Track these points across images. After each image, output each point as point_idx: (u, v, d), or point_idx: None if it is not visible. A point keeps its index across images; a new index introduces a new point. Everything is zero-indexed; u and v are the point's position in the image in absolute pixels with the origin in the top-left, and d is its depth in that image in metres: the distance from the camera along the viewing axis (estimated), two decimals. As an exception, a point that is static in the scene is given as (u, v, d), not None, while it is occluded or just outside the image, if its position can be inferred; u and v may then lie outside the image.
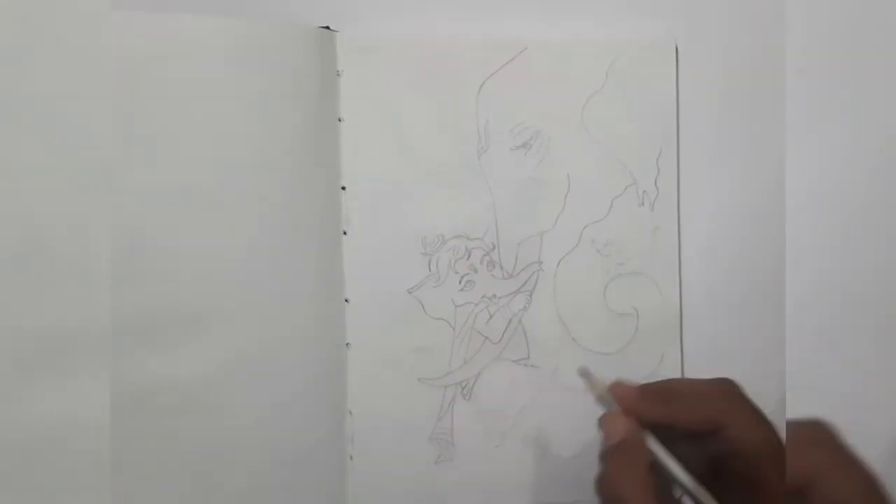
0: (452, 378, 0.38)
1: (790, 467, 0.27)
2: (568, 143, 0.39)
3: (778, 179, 0.38)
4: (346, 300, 0.38)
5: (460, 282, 0.38)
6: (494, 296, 0.39)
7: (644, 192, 0.39)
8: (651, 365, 0.39)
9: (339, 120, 0.38)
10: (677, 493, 0.30)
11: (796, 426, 0.29)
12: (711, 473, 0.30)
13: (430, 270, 0.38)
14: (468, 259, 0.38)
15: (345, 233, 0.38)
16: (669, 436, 0.31)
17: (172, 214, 0.34)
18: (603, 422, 0.31)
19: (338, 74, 0.38)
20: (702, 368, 0.40)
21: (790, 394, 0.35)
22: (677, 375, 0.39)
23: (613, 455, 0.30)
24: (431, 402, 0.38)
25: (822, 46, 0.34)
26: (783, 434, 0.29)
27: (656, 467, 0.30)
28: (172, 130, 0.34)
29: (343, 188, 0.38)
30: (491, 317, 0.39)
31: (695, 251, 0.39)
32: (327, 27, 0.37)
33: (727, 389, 0.31)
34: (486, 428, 0.39)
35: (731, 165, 0.40)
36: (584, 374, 0.33)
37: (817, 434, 0.28)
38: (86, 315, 0.30)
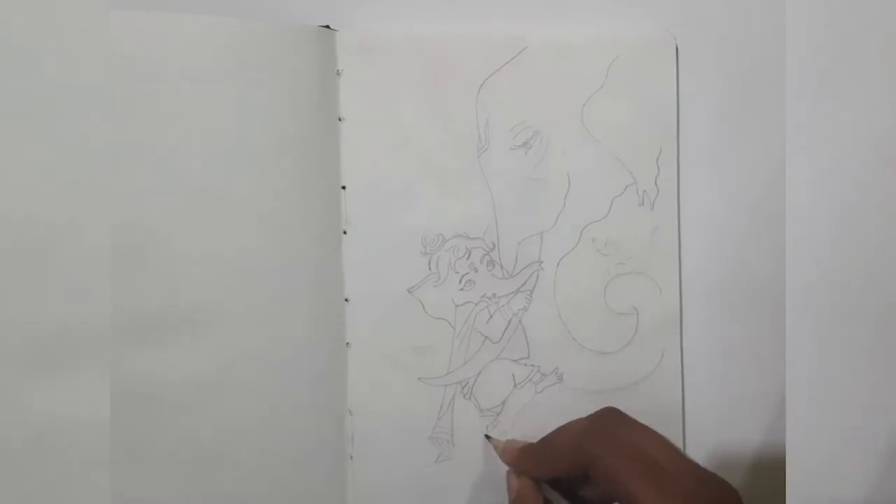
0: (452, 378, 0.38)
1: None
2: (568, 142, 0.39)
3: (778, 179, 0.38)
4: (346, 299, 0.38)
5: (460, 281, 0.38)
6: (494, 295, 0.39)
7: (644, 191, 0.39)
8: (651, 365, 0.39)
9: (339, 120, 0.38)
10: None
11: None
12: None
13: (430, 270, 0.38)
14: (468, 259, 0.38)
15: (345, 232, 0.38)
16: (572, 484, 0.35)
17: (172, 214, 0.34)
18: (507, 481, 0.36)
19: (338, 74, 0.38)
20: (702, 368, 0.40)
21: (790, 394, 0.35)
22: (677, 375, 0.39)
23: None
24: (431, 402, 0.38)
25: (822, 46, 0.34)
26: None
27: None
28: (172, 130, 0.34)
29: (343, 188, 0.38)
30: (491, 316, 0.39)
31: (695, 251, 0.40)
32: (327, 27, 0.37)
33: (596, 425, 0.33)
34: (486, 428, 0.39)
35: (731, 165, 0.40)
36: (488, 438, 0.38)
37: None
38: (85, 314, 0.30)
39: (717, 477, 0.30)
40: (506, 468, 0.36)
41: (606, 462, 0.30)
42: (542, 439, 0.35)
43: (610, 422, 0.33)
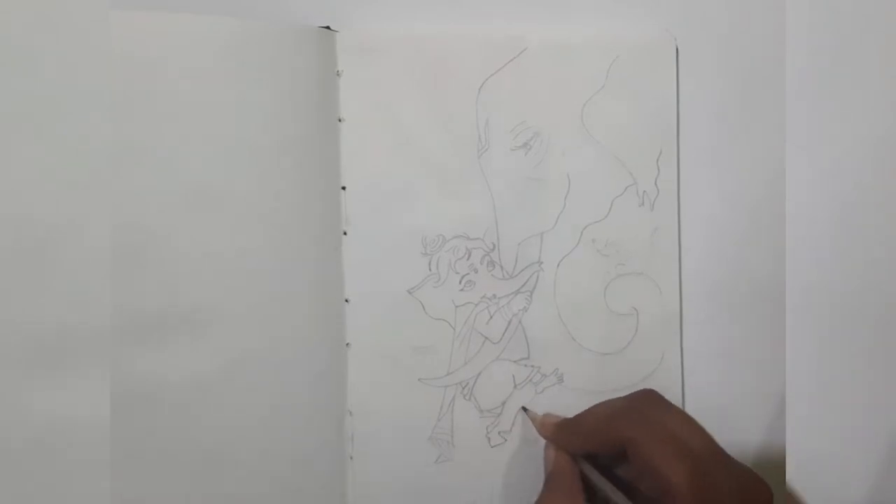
0: (452, 378, 0.38)
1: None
2: (568, 143, 0.39)
3: (778, 179, 0.38)
4: (346, 300, 0.38)
5: (460, 282, 0.38)
6: (494, 296, 0.39)
7: (644, 192, 0.39)
8: (651, 365, 0.39)
9: (339, 120, 0.38)
10: None
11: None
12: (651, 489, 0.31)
13: (430, 270, 0.38)
14: (468, 259, 0.38)
15: (345, 233, 0.38)
16: (610, 461, 0.34)
17: (172, 214, 0.34)
18: (544, 451, 0.36)
19: (338, 74, 0.38)
20: (702, 368, 0.40)
21: (790, 394, 0.35)
22: (677, 375, 0.39)
23: (547, 483, 0.35)
24: (431, 402, 0.38)
25: (822, 46, 0.34)
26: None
27: (595, 490, 0.33)
28: (172, 130, 0.34)
29: (343, 188, 0.38)
30: (491, 317, 0.39)
31: (695, 251, 0.40)
32: (327, 27, 0.37)
33: (633, 405, 0.33)
34: (486, 428, 0.39)
35: (731, 165, 0.40)
36: (524, 410, 0.38)
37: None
38: (85, 314, 0.30)
39: (751, 470, 0.31)
40: (506, 468, 0.36)
41: (640, 443, 0.30)
42: (579, 415, 0.35)
43: (646, 403, 0.33)
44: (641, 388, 0.38)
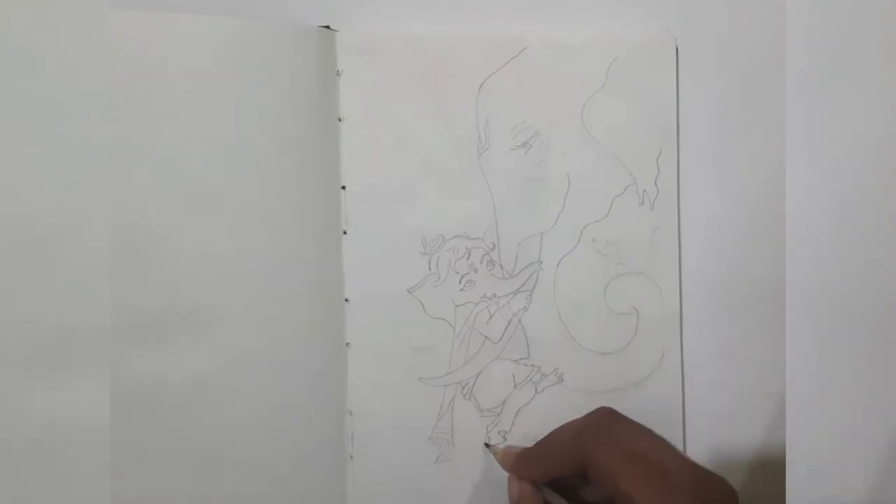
0: (452, 378, 0.38)
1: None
2: (568, 142, 0.39)
3: (778, 179, 0.38)
4: (346, 300, 0.38)
5: (460, 281, 0.38)
6: (494, 295, 0.39)
7: (644, 191, 0.39)
8: (651, 365, 0.39)
9: (339, 120, 0.38)
10: None
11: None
12: None
13: (430, 270, 0.38)
14: (468, 259, 0.38)
15: (345, 233, 0.38)
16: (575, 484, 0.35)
17: (172, 214, 0.34)
18: (508, 486, 0.36)
19: (338, 74, 0.38)
20: (702, 368, 0.40)
21: (790, 394, 0.35)
22: (677, 375, 0.39)
23: None
24: (431, 402, 0.38)
25: (822, 46, 0.34)
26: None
27: None
28: (172, 130, 0.34)
29: (343, 188, 0.38)
30: (491, 316, 0.39)
31: (695, 251, 0.40)
32: (327, 27, 0.37)
33: (589, 424, 0.33)
34: (486, 428, 0.39)
35: (731, 165, 0.40)
36: (487, 446, 0.38)
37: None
38: (85, 314, 0.30)
39: (713, 473, 0.31)
40: (507, 475, 0.36)
41: (602, 461, 0.30)
42: (539, 442, 0.35)
43: (604, 421, 0.33)
44: (640, 388, 0.38)
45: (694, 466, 0.31)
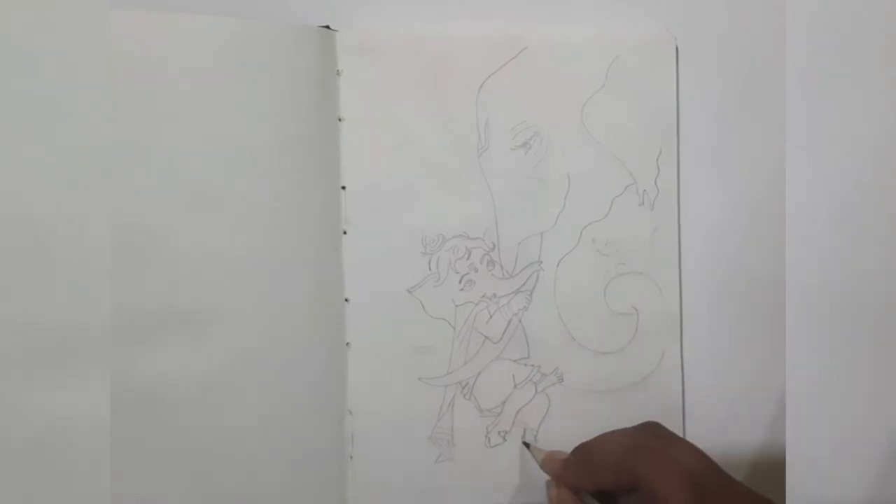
0: (452, 378, 0.38)
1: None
2: (568, 143, 0.39)
3: (778, 179, 0.38)
4: (346, 300, 0.38)
5: (460, 281, 0.38)
6: (494, 295, 0.39)
7: (644, 191, 0.39)
8: (651, 365, 0.39)
9: (339, 120, 0.38)
10: None
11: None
12: None
13: (430, 270, 0.38)
14: (468, 259, 0.38)
15: (345, 233, 0.38)
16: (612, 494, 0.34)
17: (172, 214, 0.34)
18: (546, 489, 0.36)
19: (338, 74, 0.37)
20: (702, 368, 0.40)
21: (790, 394, 0.35)
22: (677, 375, 0.39)
23: None
24: (431, 402, 0.38)
25: (822, 46, 0.34)
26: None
27: None
28: (172, 130, 0.34)
29: (343, 188, 0.38)
30: (491, 316, 0.39)
31: (695, 251, 0.40)
32: (327, 27, 0.37)
33: (641, 441, 0.33)
34: (486, 428, 0.39)
35: (731, 165, 0.40)
36: (527, 445, 0.37)
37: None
38: (85, 314, 0.30)
39: (758, 494, 0.31)
40: (509, 475, 0.36)
41: (656, 482, 0.30)
42: (584, 451, 0.35)
43: (654, 438, 0.33)
44: (640, 387, 0.38)
45: (740, 486, 0.31)
